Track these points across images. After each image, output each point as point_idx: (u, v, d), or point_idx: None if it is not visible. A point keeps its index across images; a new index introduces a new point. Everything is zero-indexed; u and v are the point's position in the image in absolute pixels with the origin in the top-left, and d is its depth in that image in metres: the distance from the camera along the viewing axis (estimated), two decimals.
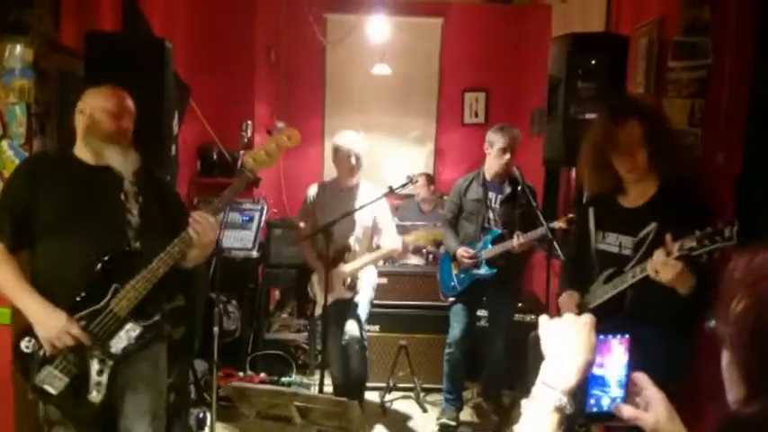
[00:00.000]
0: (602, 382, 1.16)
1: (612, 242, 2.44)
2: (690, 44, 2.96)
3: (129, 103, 2.39)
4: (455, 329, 3.99)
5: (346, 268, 3.68)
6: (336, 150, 3.74)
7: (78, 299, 2.25)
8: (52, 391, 2.24)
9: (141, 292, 2.27)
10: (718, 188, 2.94)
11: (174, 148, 3.52)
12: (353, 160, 3.69)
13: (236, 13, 5.39)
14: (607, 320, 2.42)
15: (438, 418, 4.04)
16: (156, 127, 2.96)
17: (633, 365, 1.17)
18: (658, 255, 2.06)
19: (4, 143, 2.83)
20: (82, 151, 2.36)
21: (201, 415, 3.79)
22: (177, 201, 2.65)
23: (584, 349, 1.10)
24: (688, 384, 2.17)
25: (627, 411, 1.16)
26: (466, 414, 4.21)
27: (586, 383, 1.15)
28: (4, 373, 2.61)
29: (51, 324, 2.19)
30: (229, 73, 5.34)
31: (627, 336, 1.16)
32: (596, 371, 1.15)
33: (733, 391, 0.96)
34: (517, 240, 3.60)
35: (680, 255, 2.02)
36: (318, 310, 3.75)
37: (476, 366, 4.26)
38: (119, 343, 2.28)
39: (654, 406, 1.16)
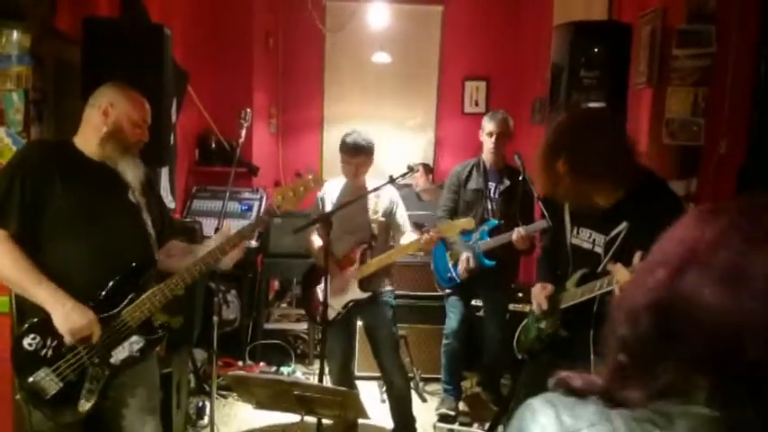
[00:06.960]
0: None
1: (586, 238, 2.39)
2: (694, 32, 2.94)
3: (149, 111, 2.35)
4: (452, 320, 3.99)
5: (356, 273, 3.34)
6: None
7: (95, 301, 2.15)
8: (43, 394, 2.14)
9: (156, 306, 2.22)
10: (721, 177, 2.92)
11: (172, 136, 3.49)
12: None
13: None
14: (577, 320, 2.37)
15: (437, 408, 4.04)
16: (155, 115, 2.91)
17: None
18: (625, 274, 1.96)
19: (2, 130, 2.80)
20: (86, 145, 2.25)
21: (201, 404, 3.80)
22: (167, 210, 2.61)
23: None
24: None
25: None
26: (465, 404, 4.21)
27: None
28: (3, 364, 2.51)
29: (80, 314, 2.09)
30: (227, 60, 5.29)
31: None
32: None
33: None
34: (518, 234, 3.52)
35: None
36: (332, 313, 3.35)
37: (474, 356, 4.26)
38: (120, 354, 2.20)
39: None
